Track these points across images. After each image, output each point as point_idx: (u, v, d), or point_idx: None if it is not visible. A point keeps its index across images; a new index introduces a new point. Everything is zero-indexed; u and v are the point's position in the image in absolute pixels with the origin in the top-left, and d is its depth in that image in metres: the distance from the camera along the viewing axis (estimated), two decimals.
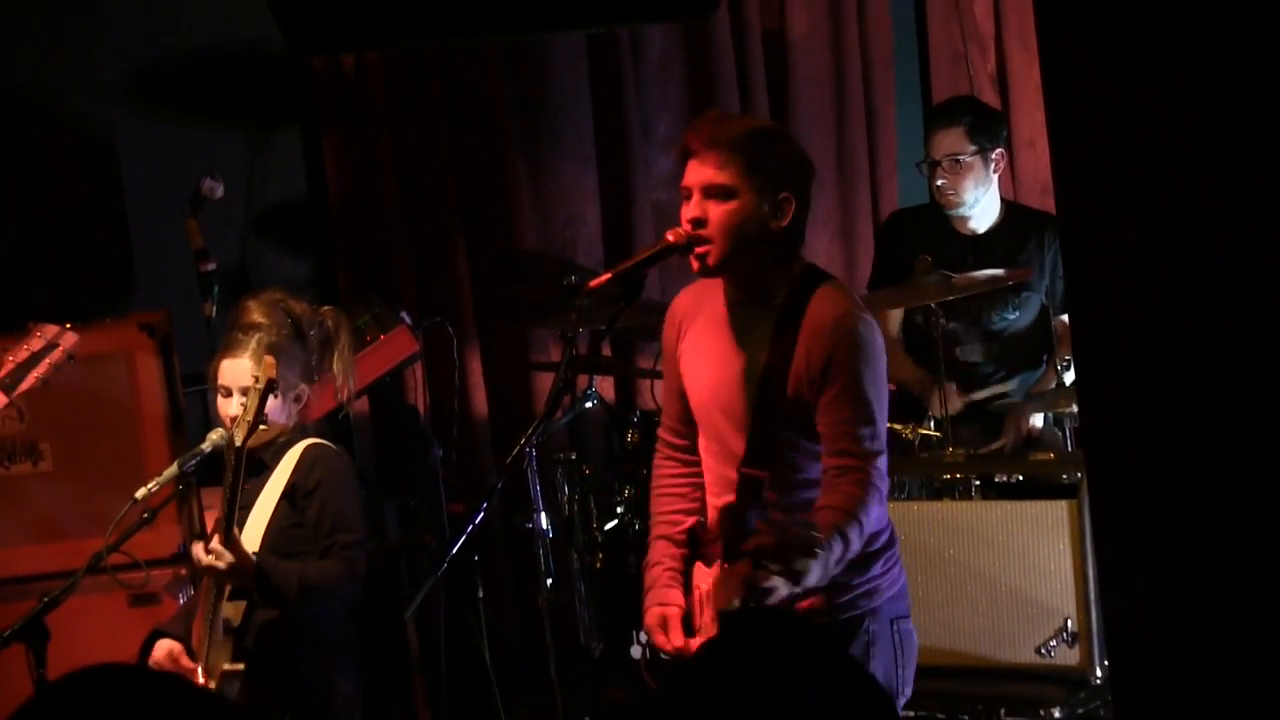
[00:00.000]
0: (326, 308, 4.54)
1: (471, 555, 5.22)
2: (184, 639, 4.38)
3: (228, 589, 4.27)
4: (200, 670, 4.30)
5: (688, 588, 3.89)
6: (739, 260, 3.79)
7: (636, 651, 5.17)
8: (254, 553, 4.26)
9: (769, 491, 3.76)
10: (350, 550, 4.31)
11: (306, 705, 4.36)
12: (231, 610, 4.28)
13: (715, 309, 3.91)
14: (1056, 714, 4.97)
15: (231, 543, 4.19)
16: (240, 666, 4.26)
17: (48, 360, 4.40)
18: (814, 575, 3.53)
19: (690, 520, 3.95)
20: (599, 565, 5.58)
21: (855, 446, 3.71)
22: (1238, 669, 2.50)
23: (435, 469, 5.47)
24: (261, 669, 4.28)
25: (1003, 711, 5.04)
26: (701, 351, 3.92)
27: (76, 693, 2.13)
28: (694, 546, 3.92)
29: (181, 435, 5.23)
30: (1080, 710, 5.01)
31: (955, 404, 5.64)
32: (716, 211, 3.75)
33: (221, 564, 4.19)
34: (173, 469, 4.40)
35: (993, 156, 5.81)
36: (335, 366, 4.47)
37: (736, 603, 3.60)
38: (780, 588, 3.51)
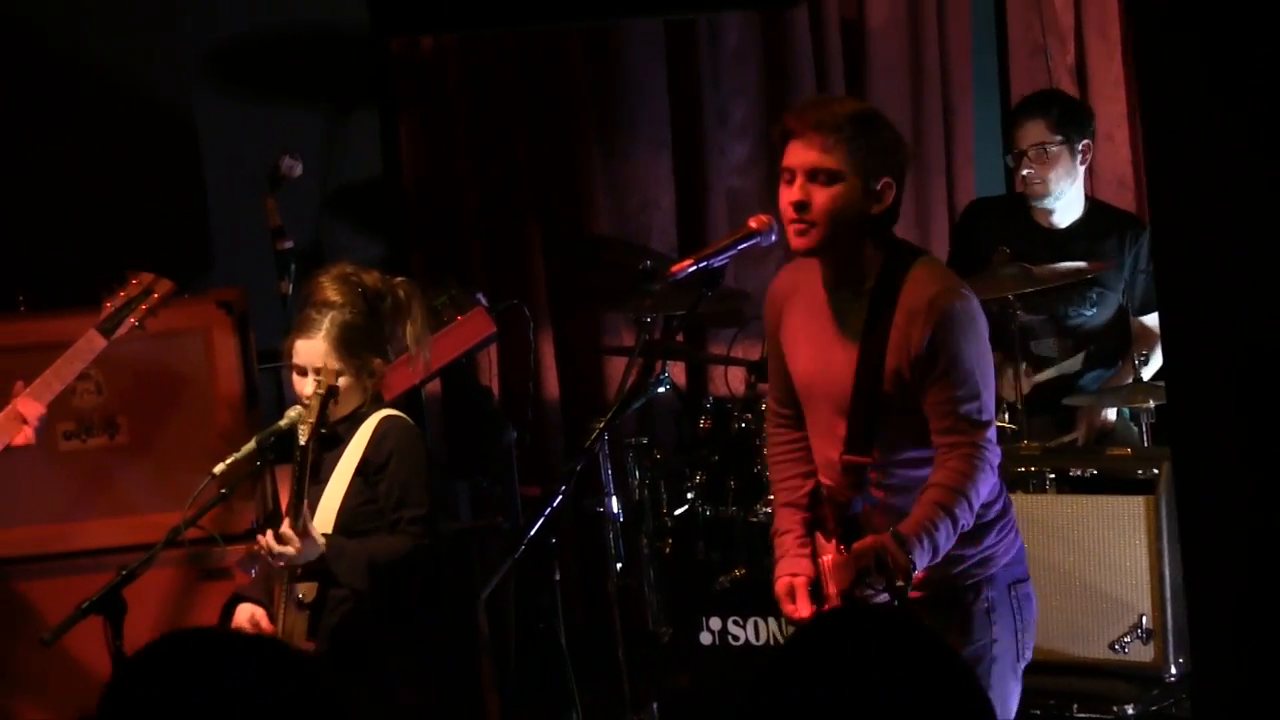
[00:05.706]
0: (399, 279, 4.46)
1: (549, 538, 5.22)
2: (265, 603, 4.40)
3: (299, 570, 4.29)
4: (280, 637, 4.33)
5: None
6: (839, 243, 3.81)
7: (705, 638, 5.18)
8: (325, 534, 4.26)
9: (872, 473, 3.81)
10: (416, 525, 4.27)
11: (371, 692, 4.38)
12: (305, 588, 4.28)
13: (813, 290, 3.92)
14: (1130, 710, 4.95)
15: (302, 529, 4.19)
16: (311, 645, 4.28)
17: (144, 305, 4.69)
18: (923, 559, 3.68)
19: (810, 484, 4.00)
20: (668, 551, 5.57)
21: (962, 422, 3.77)
22: None
23: (509, 451, 5.47)
24: (334, 650, 4.30)
25: (1075, 707, 5.02)
26: (801, 334, 3.96)
27: (168, 657, 2.12)
28: (816, 509, 3.98)
29: (256, 412, 5.25)
30: (1154, 707, 4.99)
31: (1024, 385, 5.58)
32: (821, 195, 3.76)
33: (291, 549, 4.18)
34: (251, 445, 4.42)
35: (1079, 148, 5.77)
36: (409, 339, 4.40)
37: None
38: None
